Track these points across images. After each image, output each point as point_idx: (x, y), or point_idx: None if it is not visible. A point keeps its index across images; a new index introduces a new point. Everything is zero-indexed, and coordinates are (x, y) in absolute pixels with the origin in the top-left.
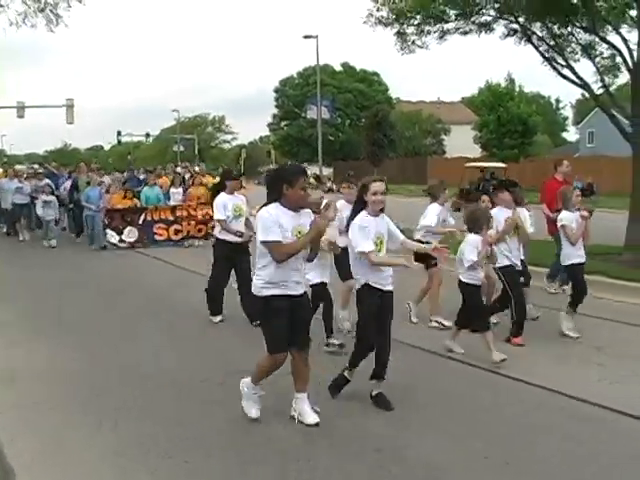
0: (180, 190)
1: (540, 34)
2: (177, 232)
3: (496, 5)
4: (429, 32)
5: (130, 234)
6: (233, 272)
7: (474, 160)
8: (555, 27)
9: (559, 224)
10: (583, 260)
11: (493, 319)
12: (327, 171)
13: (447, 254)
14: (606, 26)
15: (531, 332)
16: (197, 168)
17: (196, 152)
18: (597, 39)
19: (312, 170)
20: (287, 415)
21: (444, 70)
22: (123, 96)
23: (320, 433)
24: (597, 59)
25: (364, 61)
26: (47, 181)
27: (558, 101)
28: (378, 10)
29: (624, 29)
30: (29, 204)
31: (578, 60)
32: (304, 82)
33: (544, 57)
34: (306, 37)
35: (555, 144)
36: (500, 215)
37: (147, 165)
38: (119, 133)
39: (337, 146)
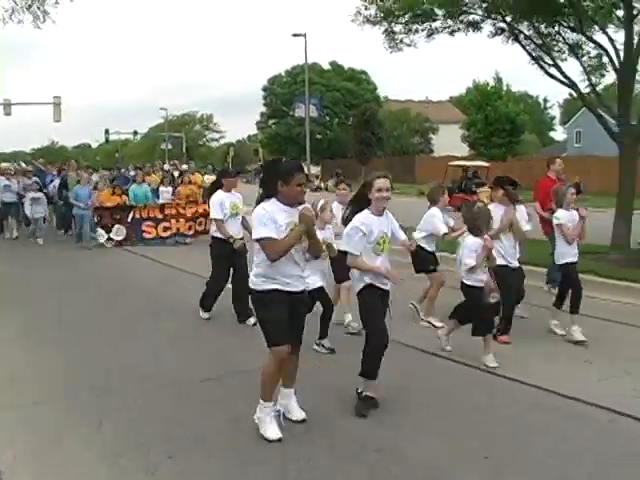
0: (170, 189)
1: (527, 33)
2: (166, 230)
3: (484, 5)
4: (417, 30)
5: (118, 232)
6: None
7: (462, 159)
8: (542, 26)
9: (555, 222)
10: (576, 259)
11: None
12: (315, 169)
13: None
14: (593, 26)
15: (520, 331)
16: (185, 166)
17: (184, 150)
18: (584, 39)
19: None
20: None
21: (432, 69)
22: (111, 94)
23: (320, 433)
24: (584, 58)
25: (352, 60)
26: (35, 179)
27: (546, 101)
28: (366, 9)
29: (611, 29)
30: (17, 202)
31: (565, 59)
32: (292, 80)
33: (531, 56)
34: (294, 35)
35: (543, 143)
36: (496, 211)
37: (135, 163)
38: (107, 131)
39: (325, 144)
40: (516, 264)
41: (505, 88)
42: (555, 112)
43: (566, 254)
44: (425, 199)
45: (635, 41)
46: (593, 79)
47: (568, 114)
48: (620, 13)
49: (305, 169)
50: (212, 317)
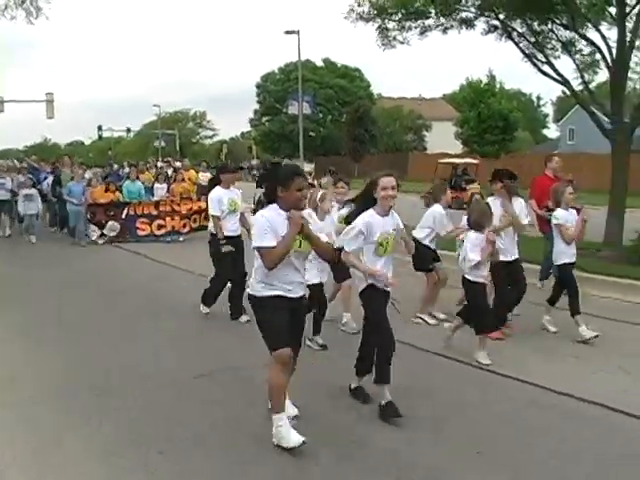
0: (164, 186)
1: (520, 30)
2: (160, 227)
3: (477, 2)
4: (410, 28)
5: (112, 228)
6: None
7: (455, 156)
8: (535, 24)
9: (553, 222)
10: (574, 260)
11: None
12: (308, 167)
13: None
14: (586, 23)
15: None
16: (178, 164)
17: (177, 148)
18: (577, 36)
19: None
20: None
21: (426, 66)
22: (104, 91)
23: (320, 433)
24: (577, 56)
25: (346, 57)
26: (29, 175)
27: (539, 98)
28: (359, 5)
29: (604, 26)
30: (11, 200)
31: (558, 57)
32: (285, 78)
33: (524, 53)
34: (287, 32)
35: (536, 141)
36: (496, 204)
37: (130, 160)
38: (100, 128)
39: (318, 142)
40: (516, 254)
41: (498, 85)
42: (548, 110)
43: (564, 254)
44: (418, 196)
45: (628, 38)
46: (586, 76)
47: (561, 112)
48: (613, 10)
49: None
50: (212, 317)
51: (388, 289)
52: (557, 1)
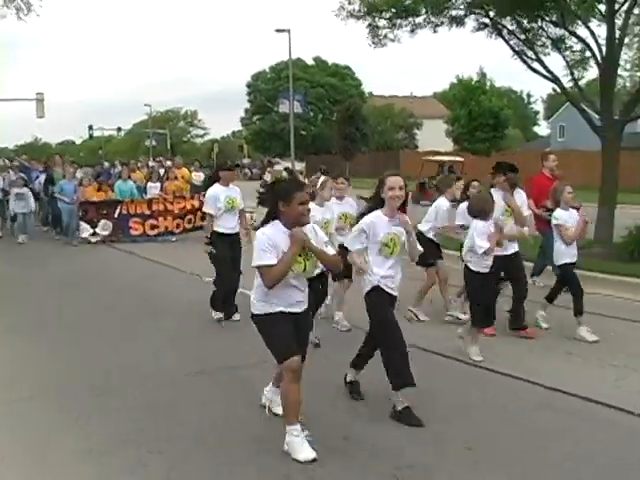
0: (157, 184)
1: (510, 28)
2: (153, 227)
3: (466, 0)
4: (401, 26)
5: (105, 227)
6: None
7: (445, 154)
8: (525, 21)
9: (553, 222)
10: (575, 260)
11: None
12: (299, 166)
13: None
14: (576, 20)
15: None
16: (169, 162)
17: (168, 147)
18: (567, 33)
19: (284, 164)
20: None
21: (416, 65)
22: (94, 90)
23: (319, 433)
24: (567, 53)
25: (336, 55)
26: (21, 174)
27: (529, 96)
28: (350, 3)
29: (593, 23)
30: (2, 200)
31: (548, 54)
32: (276, 76)
33: (514, 51)
34: (278, 31)
35: (527, 138)
36: (497, 196)
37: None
38: (90, 127)
39: (309, 140)
40: (515, 247)
41: (489, 83)
42: (539, 107)
43: (564, 254)
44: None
45: (617, 35)
46: (576, 74)
47: (551, 109)
48: (602, 7)
49: (290, 165)
50: (212, 317)
51: (395, 293)
52: None
